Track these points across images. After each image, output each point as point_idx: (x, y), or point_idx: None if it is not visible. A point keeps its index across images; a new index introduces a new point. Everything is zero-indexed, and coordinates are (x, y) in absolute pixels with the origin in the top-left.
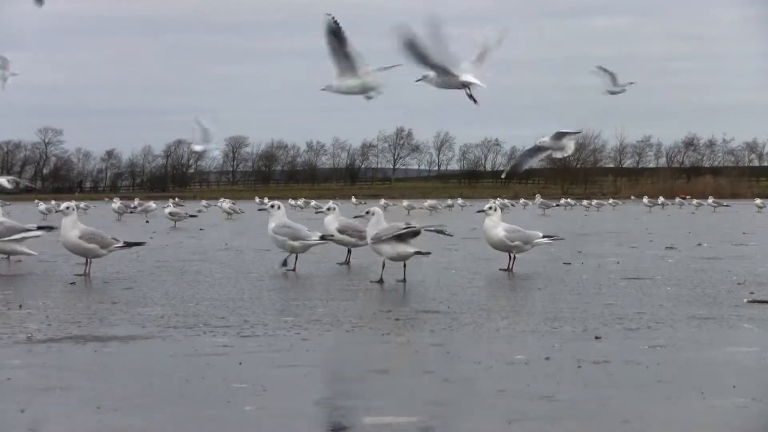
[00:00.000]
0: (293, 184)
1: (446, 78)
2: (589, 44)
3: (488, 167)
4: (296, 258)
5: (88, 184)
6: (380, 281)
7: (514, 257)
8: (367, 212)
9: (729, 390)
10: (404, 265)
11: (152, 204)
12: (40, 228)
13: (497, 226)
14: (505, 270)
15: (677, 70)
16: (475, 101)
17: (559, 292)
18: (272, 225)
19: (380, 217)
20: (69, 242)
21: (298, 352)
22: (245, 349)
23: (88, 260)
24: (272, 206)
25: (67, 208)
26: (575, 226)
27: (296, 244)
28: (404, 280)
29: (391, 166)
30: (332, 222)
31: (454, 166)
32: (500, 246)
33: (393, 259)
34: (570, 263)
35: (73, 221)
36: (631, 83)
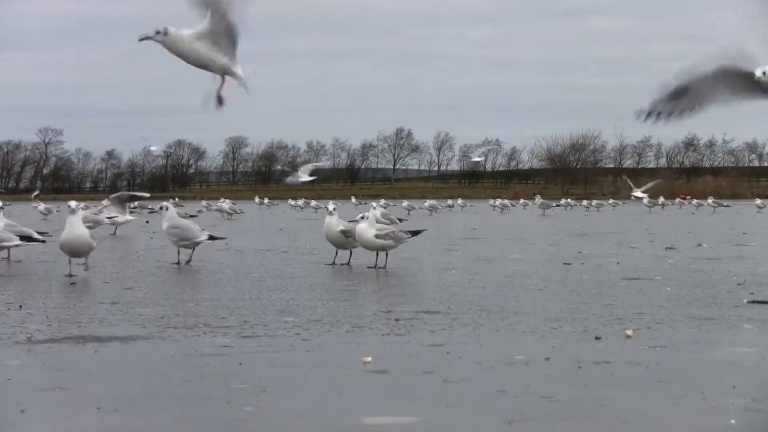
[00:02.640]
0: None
1: None
2: (589, 44)
3: (488, 167)
4: (179, 252)
5: (87, 185)
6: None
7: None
8: (362, 216)
9: (729, 390)
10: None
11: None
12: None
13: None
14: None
15: (677, 71)
16: None
17: (559, 293)
18: (165, 225)
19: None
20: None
21: (298, 352)
22: (245, 350)
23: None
24: (162, 208)
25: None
26: (575, 227)
27: (186, 242)
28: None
29: (391, 167)
30: (337, 224)
31: (454, 166)
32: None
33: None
34: (570, 263)
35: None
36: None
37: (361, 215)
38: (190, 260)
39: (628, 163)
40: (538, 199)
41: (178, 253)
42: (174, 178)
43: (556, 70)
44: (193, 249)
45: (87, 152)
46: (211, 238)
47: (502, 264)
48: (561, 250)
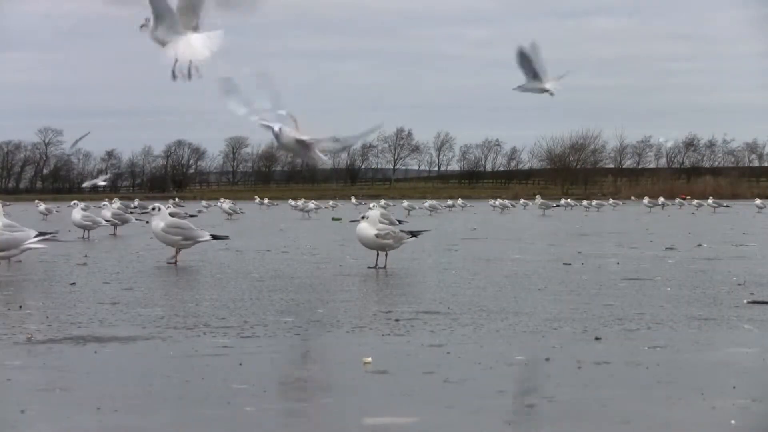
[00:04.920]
0: (293, 185)
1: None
2: (589, 44)
3: (488, 167)
4: (177, 251)
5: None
6: None
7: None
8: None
9: (729, 391)
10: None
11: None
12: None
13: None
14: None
15: (677, 70)
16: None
17: (559, 293)
18: (161, 225)
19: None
20: None
21: (297, 352)
22: (245, 350)
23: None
24: (154, 209)
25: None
26: (575, 227)
27: (189, 241)
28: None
29: (391, 167)
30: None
31: (455, 166)
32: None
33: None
34: (570, 264)
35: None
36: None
37: (363, 214)
38: (176, 261)
39: (628, 163)
40: (538, 200)
41: (176, 252)
42: (174, 178)
43: (556, 70)
44: (179, 250)
45: (87, 152)
46: (213, 237)
47: (502, 264)
48: (561, 251)
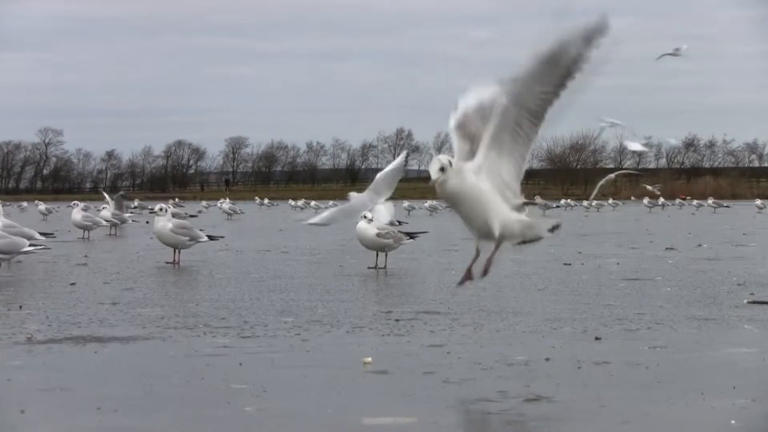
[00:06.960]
0: (293, 185)
1: None
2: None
3: None
4: (176, 251)
5: (88, 185)
6: None
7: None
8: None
9: (729, 390)
10: None
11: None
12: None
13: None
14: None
15: (677, 71)
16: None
17: (559, 293)
18: (169, 225)
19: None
20: None
21: (298, 352)
22: (245, 350)
23: None
24: (161, 209)
25: None
26: (575, 227)
27: (193, 241)
28: None
29: None
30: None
31: None
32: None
33: None
34: (570, 264)
35: None
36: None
37: (364, 214)
38: (178, 261)
39: (628, 163)
40: (539, 200)
41: (175, 252)
42: (174, 178)
43: None
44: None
45: (87, 152)
46: (210, 238)
47: (502, 264)
48: (561, 251)
